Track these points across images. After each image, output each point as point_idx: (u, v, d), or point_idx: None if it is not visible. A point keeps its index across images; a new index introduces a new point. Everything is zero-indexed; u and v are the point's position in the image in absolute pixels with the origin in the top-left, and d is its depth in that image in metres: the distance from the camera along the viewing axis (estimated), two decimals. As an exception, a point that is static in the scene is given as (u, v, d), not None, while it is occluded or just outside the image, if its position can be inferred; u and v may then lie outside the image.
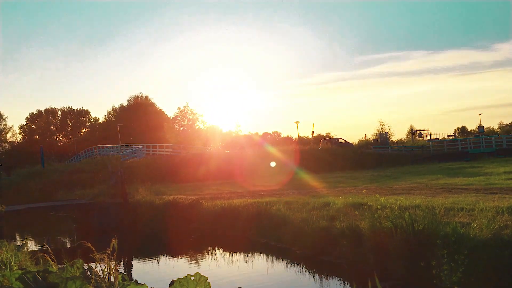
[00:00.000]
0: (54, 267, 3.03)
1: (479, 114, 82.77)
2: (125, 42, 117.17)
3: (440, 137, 51.30)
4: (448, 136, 54.46)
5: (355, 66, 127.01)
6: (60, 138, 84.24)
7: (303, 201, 13.75)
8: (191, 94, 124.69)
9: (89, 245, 3.01)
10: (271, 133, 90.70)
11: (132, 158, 36.38)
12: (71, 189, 25.77)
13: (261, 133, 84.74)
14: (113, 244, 2.78)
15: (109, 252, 2.66)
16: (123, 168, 21.09)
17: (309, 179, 23.86)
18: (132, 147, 41.07)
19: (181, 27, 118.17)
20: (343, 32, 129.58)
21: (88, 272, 2.82)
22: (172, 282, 2.67)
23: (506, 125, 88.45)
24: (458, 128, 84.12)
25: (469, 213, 8.99)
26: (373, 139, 50.13)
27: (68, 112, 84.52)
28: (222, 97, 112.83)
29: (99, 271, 2.64)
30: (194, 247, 13.68)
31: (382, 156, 38.67)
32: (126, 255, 12.82)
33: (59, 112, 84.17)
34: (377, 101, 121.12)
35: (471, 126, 79.85)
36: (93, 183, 24.94)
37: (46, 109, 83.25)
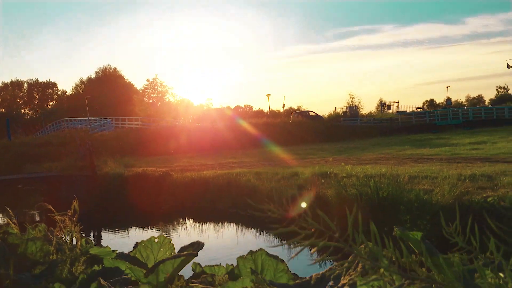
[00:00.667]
0: (15, 230, 3.02)
1: (447, 87, 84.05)
2: (92, 12, 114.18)
3: (408, 110, 52.17)
4: (416, 108, 55.38)
5: (327, 39, 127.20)
6: (27, 111, 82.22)
7: (273, 172, 13.87)
8: (161, 66, 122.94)
9: (50, 206, 2.99)
10: (243, 106, 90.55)
11: (100, 131, 35.86)
12: (39, 162, 25.26)
13: (232, 107, 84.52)
14: (74, 206, 2.78)
15: (70, 213, 2.64)
16: (91, 141, 20.77)
17: (279, 151, 24.01)
18: (100, 120, 40.46)
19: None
20: (314, 5, 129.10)
21: (50, 236, 2.81)
22: (136, 245, 2.68)
23: (473, 98, 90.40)
24: (426, 101, 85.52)
25: (432, 181, 9.25)
26: (343, 112, 50.64)
27: (35, 85, 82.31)
28: (193, 70, 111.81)
29: (62, 235, 2.63)
30: (164, 219, 13.72)
31: (351, 129, 39.12)
32: (96, 227, 12.78)
33: (25, 85, 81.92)
34: (348, 75, 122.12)
35: (440, 99, 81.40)
36: (61, 156, 24.50)
37: (11, 82, 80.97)
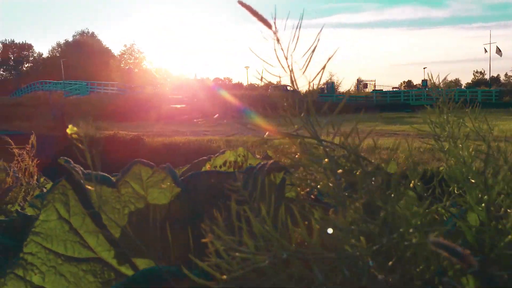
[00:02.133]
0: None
1: (424, 68, 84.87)
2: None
3: (385, 89, 52.83)
4: (393, 88, 56.11)
5: (308, 14, 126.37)
6: (1, 72, 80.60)
7: (243, 139, 14.17)
8: (139, 33, 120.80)
9: (7, 138, 3.16)
10: (222, 79, 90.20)
11: (75, 95, 35.61)
12: (10, 122, 25.14)
13: (212, 79, 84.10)
14: (32, 141, 2.97)
15: (28, 148, 2.80)
16: (64, 103, 20.73)
17: (254, 122, 24.18)
18: (76, 83, 40.09)
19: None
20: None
21: (8, 168, 2.91)
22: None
23: (451, 81, 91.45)
24: (404, 81, 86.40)
25: (392, 152, 9.68)
26: (320, 88, 50.90)
27: (10, 46, 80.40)
28: (172, 40, 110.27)
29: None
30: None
31: (324, 104, 39.36)
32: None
33: (0, 45, 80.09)
34: (328, 52, 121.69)
35: (417, 81, 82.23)
36: (32, 117, 24.41)
37: (-14, 42, 78.99)
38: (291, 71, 0.79)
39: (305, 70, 0.77)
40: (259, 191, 0.76)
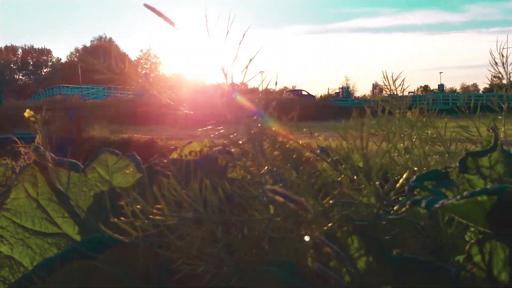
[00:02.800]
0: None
1: (440, 73, 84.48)
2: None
3: (400, 94, 52.58)
4: (409, 93, 55.87)
5: (326, 19, 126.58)
6: (21, 77, 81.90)
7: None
8: (156, 38, 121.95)
9: (15, 138, 3.27)
10: (238, 84, 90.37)
11: (92, 99, 36.07)
12: (29, 125, 25.54)
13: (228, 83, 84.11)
14: (37, 140, 3.08)
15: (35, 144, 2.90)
16: (81, 107, 21.03)
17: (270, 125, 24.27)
18: (93, 88, 40.60)
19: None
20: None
21: (16, 167, 3.04)
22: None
23: (468, 86, 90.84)
24: (421, 86, 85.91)
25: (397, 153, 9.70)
26: (335, 92, 51.08)
27: (30, 51, 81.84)
28: (187, 43, 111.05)
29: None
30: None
31: (341, 109, 39.46)
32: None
33: (20, 50, 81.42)
34: (345, 56, 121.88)
35: (434, 85, 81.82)
36: (50, 120, 24.79)
37: (6, 46, 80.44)
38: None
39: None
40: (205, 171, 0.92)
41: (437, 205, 0.65)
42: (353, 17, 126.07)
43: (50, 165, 1.06)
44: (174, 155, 1.44)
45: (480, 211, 0.66)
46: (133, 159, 1.16)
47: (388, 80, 1.21)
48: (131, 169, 1.13)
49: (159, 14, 0.84)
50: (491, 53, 1.17)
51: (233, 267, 0.71)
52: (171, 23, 0.84)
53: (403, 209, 0.82)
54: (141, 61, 78.88)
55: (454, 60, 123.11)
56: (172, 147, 1.55)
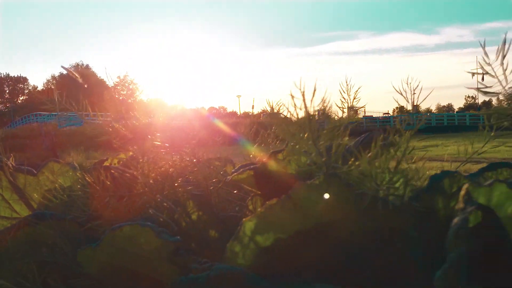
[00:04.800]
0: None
1: (413, 94, 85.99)
2: (62, 7, 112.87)
3: (375, 115, 53.33)
4: (383, 114, 56.68)
5: (304, 43, 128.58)
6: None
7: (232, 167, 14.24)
8: (134, 64, 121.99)
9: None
10: (217, 107, 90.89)
11: (69, 126, 35.70)
12: (4, 154, 25.13)
13: (207, 108, 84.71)
14: (10, 160, 3.08)
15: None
16: (56, 134, 20.78)
17: (248, 149, 24.39)
18: (69, 115, 40.18)
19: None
20: (293, 9, 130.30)
21: None
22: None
23: (443, 106, 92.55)
24: (397, 107, 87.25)
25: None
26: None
27: (5, 79, 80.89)
28: (166, 68, 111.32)
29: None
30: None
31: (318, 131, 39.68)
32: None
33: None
34: (324, 79, 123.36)
35: (410, 106, 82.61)
36: (26, 148, 24.46)
37: (-19, 75, 79.51)
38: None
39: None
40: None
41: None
42: (331, 40, 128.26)
43: (11, 171, 1.51)
44: (106, 163, 1.80)
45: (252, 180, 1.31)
46: (71, 166, 1.62)
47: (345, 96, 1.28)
48: (70, 173, 1.57)
49: (71, 72, 0.94)
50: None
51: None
52: (79, 79, 0.99)
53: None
54: (118, 87, 78.67)
55: (431, 80, 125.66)
56: (105, 158, 1.90)
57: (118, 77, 79.22)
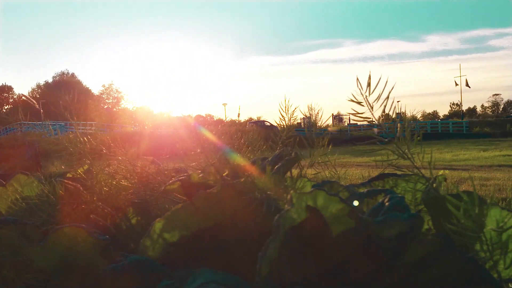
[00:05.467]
0: None
1: (397, 102, 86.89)
2: (49, 15, 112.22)
3: (360, 123, 53.58)
4: (368, 121, 57.05)
5: (289, 51, 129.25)
6: (-19, 114, 79.77)
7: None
8: (120, 73, 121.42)
9: None
10: (204, 115, 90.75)
11: (54, 135, 35.41)
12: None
13: (194, 116, 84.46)
14: None
15: None
16: (40, 143, 20.61)
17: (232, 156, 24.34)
18: (54, 124, 39.95)
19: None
20: (276, 17, 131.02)
21: None
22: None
23: (429, 113, 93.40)
24: (382, 114, 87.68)
25: (342, 178, 9.94)
26: (297, 122, 51.72)
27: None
28: (152, 77, 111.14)
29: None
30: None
31: (301, 139, 39.58)
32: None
33: (-20, 88, 79.72)
34: (309, 87, 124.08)
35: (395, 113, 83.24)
36: (10, 157, 24.21)
37: (-35, 84, 78.63)
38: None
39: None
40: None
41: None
42: (315, 48, 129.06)
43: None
44: (69, 175, 1.94)
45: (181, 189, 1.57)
46: (37, 178, 1.77)
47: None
48: (35, 184, 1.73)
49: (30, 100, 0.98)
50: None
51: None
52: (36, 105, 1.01)
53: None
54: (103, 96, 78.29)
55: (416, 88, 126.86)
56: (68, 170, 2.05)
57: (103, 85, 78.91)
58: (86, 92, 74.77)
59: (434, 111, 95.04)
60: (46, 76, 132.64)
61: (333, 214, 0.95)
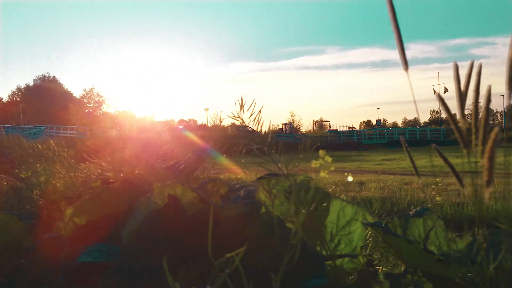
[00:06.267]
0: None
1: (377, 109, 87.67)
2: (30, 17, 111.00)
3: (340, 129, 53.97)
4: (348, 128, 57.48)
5: (273, 57, 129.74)
6: (-40, 118, 78.31)
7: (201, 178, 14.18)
8: (103, 77, 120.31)
9: None
10: (187, 120, 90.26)
11: (34, 139, 34.99)
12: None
13: (177, 120, 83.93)
14: None
15: None
16: (21, 148, 20.34)
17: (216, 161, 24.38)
18: (34, 127, 39.51)
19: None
20: (260, 23, 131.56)
21: None
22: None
23: (410, 120, 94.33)
24: (363, 121, 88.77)
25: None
26: (278, 128, 51.94)
27: (-32, 91, 78.69)
28: (136, 82, 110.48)
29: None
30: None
31: (283, 145, 39.71)
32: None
33: (-42, 91, 78.23)
34: (292, 93, 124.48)
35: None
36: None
37: None
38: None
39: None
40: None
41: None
42: (300, 55, 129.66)
43: None
44: (22, 175, 2.34)
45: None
46: None
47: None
48: None
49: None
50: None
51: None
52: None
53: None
54: (84, 100, 77.39)
55: (398, 95, 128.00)
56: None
57: (84, 89, 78.06)
58: (68, 95, 73.78)
59: (415, 118, 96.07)
60: (27, 79, 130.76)
61: (188, 200, 1.34)
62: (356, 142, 41.88)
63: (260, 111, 1.31)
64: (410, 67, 1.14)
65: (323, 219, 1.58)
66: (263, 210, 1.44)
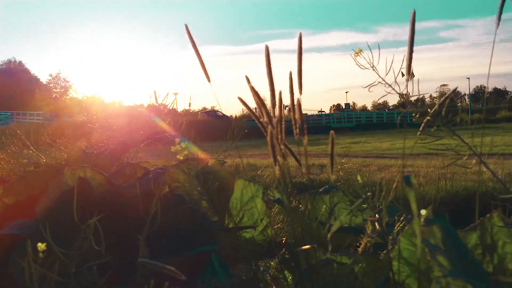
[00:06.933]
0: None
1: (346, 92, 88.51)
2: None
3: (310, 113, 53.94)
4: (318, 112, 57.72)
5: (243, 41, 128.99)
6: None
7: (159, 163, 14.03)
8: (70, 62, 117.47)
9: None
10: (157, 105, 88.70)
11: (1, 125, 34.11)
12: None
13: (146, 105, 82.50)
14: None
15: None
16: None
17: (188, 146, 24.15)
18: (1, 114, 38.51)
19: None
20: (231, 6, 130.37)
21: None
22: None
23: (379, 104, 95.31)
24: (334, 105, 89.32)
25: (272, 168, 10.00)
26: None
27: None
28: (102, 66, 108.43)
29: None
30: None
31: (252, 129, 39.50)
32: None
33: None
34: (262, 77, 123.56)
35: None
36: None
37: None
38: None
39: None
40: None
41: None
42: (270, 38, 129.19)
43: None
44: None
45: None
46: None
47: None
48: None
49: None
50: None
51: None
52: None
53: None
54: (51, 85, 75.48)
55: (369, 78, 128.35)
56: None
57: (50, 74, 76.20)
58: (35, 81, 71.77)
59: (384, 101, 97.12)
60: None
61: (97, 182, 1.54)
62: (324, 126, 41.83)
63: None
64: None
65: (228, 196, 1.86)
66: (167, 189, 1.67)
